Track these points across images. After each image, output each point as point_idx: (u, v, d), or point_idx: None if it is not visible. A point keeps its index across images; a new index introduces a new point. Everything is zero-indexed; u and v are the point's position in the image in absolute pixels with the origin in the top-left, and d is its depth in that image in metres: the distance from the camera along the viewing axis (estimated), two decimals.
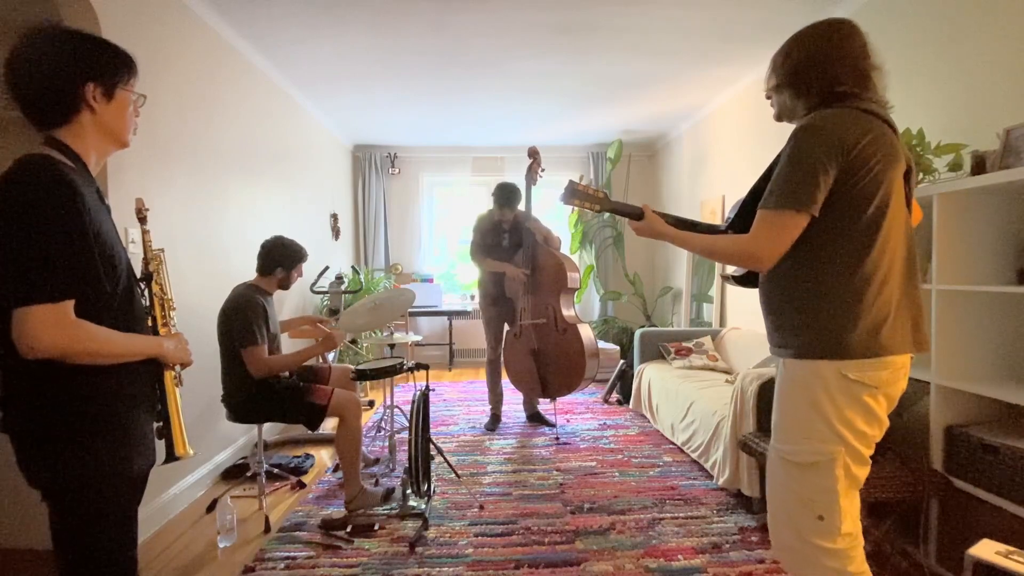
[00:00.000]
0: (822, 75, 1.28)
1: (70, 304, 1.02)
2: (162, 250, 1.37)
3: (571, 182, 1.61)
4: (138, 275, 1.26)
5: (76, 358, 1.04)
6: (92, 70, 1.12)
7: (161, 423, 1.24)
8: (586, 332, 3.61)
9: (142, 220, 1.36)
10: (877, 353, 1.22)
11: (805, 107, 1.33)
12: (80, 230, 1.02)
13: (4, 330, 1.02)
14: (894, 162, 1.23)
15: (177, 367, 1.27)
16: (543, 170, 3.68)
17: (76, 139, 1.12)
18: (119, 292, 1.13)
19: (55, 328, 1.00)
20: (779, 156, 1.28)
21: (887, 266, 1.23)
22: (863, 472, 1.28)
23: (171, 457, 1.25)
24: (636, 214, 1.53)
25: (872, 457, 1.29)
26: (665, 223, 1.50)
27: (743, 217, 1.36)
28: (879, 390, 1.23)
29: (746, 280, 1.50)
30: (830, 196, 1.21)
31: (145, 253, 1.33)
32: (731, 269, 1.51)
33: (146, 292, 1.29)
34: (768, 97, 1.44)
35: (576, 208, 1.68)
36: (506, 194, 3.66)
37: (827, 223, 1.23)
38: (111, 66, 1.15)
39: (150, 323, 1.28)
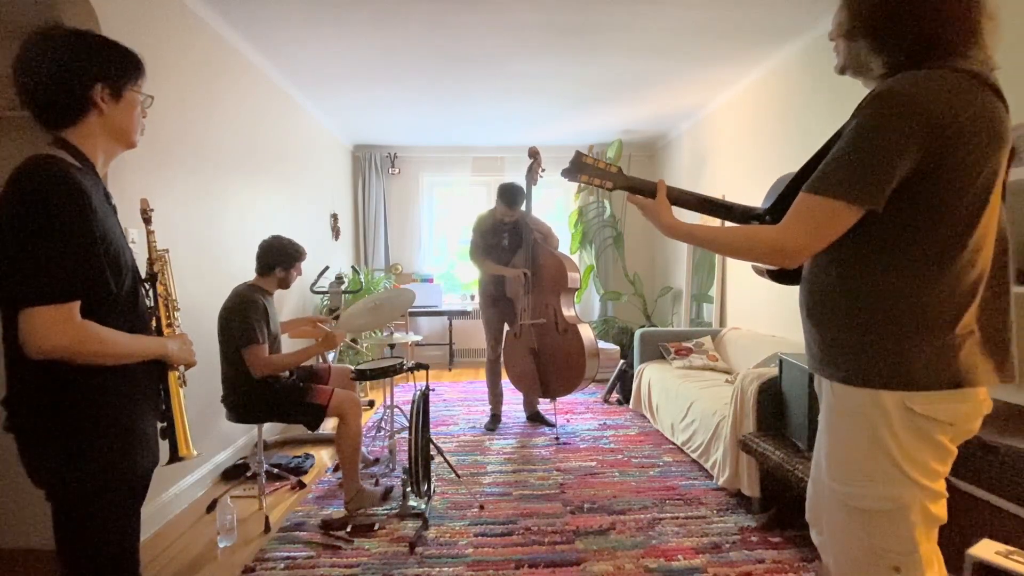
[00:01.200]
0: (919, 22, 0.96)
1: (76, 305, 1.02)
2: (166, 251, 1.37)
3: (578, 153, 1.35)
4: (142, 275, 1.26)
5: (82, 358, 1.04)
6: (101, 71, 1.12)
7: (165, 423, 1.24)
8: (587, 332, 3.61)
9: (147, 221, 1.36)
10: (953, 383, 0.97)
11: (885, 65, 1.02)
12: (87, 231, 1.03)
13: (9, 330, 1.02)
14: (999, 144, 0.95)
15: (181, 367, 1.27)
16: (543, 170, 3.68)
17: (84, 140, 1.12)
18: (123, 292, 1.13)
19: (61, 329, 1.00)
20: (841, 130, 1.03)
21: (977, 275, 0.98)
22: (943, 509, 1.05)
23: (175, 458, 1.25)
24: (653, 191, 1.28)
25: None
26: (672, 216, 1.25)
27: (787, 200, 1.10)
28: (955, 427, 0.99)
29: (784, 275, 1.24)
30: (911, 185, 0.94)
31: (150, 254, 1.34)
32: None
33: (150, 292, 1.29)
34: (832, 39, 1.12)
35: (583, 187, 1.43)
36: (512, 194, 3.67)
37: (905, 218, 0.96)
38: (119, 67, 1.16)
39: (154, 323, 1.28)
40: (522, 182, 3.69)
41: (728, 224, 1.25)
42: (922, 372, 0.97)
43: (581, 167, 1.34)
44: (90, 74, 1.11)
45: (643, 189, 1.30)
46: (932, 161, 0.93)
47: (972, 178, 0.94)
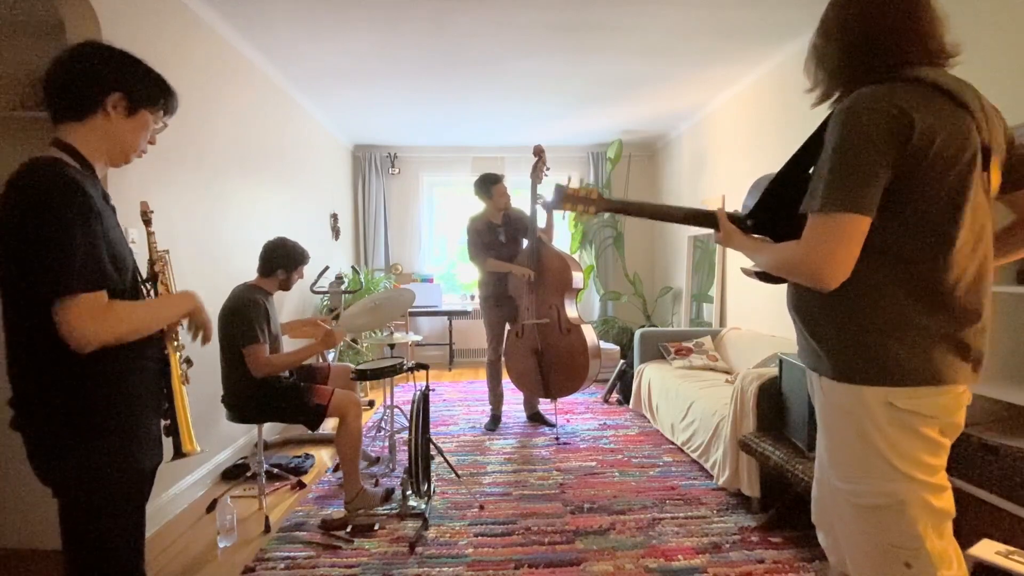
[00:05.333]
0: (891, 50, 1.02)
1: (104, 294, 1.05)
2: (167, 251, 1.38)
3: (558, 186, 1.46)
4: (143, 275, 1.27)
5: (130, 337, 1.08)
6: (125, 82, 1.15)
7: (168, 421, 1.25)
8: (589, 333, 3.62)
9: (147, 223, 1.37)
10: (931, 380, 0.99)
11: (849, 88, 1.07)
12: (92, 229, 1.03)
13: (14, 330, 1.02)
14: (964, 145, 0.98)
15: (183, 366, 1.28)
16: (548, 168, 3.68)
17: (84, 142, 1.13)
18: (126, 291, 1.14)
19: (102, 316, 1.02)
20: (813, 137, 1.08)
21: (957, 274, 0.99)
22: (948, 501, 1.04)
23: (178, 454, 1.26)
24: (630, 209, 1.43)
25: None
26: (743, 238, 1.26)
27: (767, 209, 1.20)
28: (939, 419, 1.01)
29: (769, 275, 1.26)
30: (890, 189, 0.98)
31: (150, 254, 1.35)
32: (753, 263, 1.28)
33: (151, 292, 1.30)
34: (807, 68, 1.18)
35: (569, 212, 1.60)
36: (492, 175, 3.76)
37: (884, 221, 0.99)
38: (146, 88, 1.18)
39: None
40: (522, 181, 3.70)
41: (711, 232, 1.35)
42: (902, 368, 1.00)
43: (564, 198, 1.45)
44: (113, 80, 1.13)
45: (624, 209, 1.42)
46: (904, 164, 0.97)
47: (941, 178, 0.97)
